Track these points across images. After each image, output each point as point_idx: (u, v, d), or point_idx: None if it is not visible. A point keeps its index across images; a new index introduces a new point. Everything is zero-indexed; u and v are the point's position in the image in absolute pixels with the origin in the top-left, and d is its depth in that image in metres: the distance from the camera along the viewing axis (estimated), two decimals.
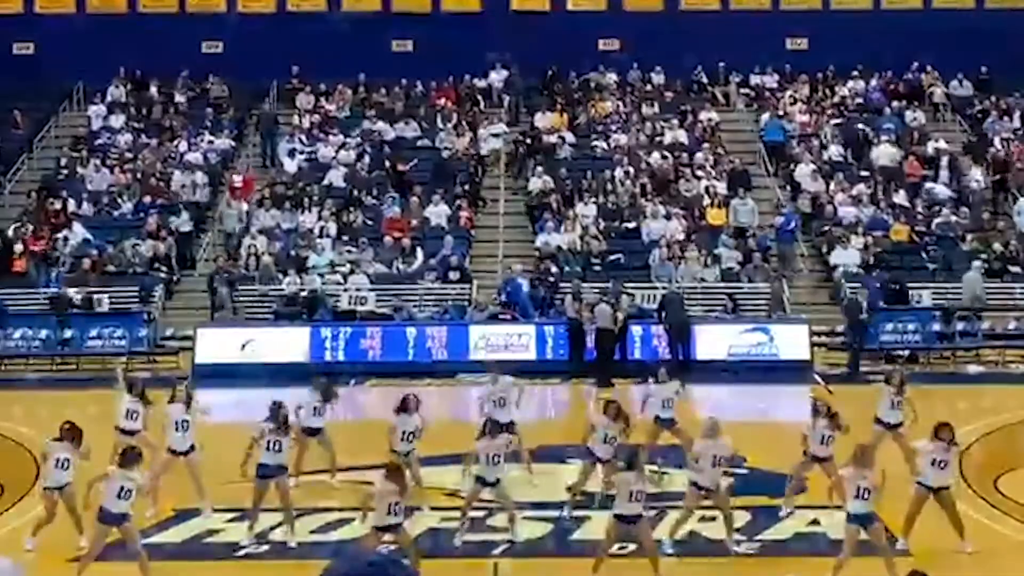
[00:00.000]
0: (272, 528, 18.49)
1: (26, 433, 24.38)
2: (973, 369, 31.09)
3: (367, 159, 39.68)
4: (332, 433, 20.99)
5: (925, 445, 17.17)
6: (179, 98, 43.34)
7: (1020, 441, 24.45)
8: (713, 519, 18.18)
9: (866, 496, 15.66)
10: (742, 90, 44.04)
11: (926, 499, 17.01)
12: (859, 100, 43.07)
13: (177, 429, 19.40)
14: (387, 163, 39.23)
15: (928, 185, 37.42)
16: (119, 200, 38.12)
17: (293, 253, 35.31)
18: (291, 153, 40.04)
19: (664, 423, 21.03)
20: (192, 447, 19.37)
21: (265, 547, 18.01)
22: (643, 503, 16.09)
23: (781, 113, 41.74)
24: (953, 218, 36.02)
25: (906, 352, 31.61)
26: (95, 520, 16.08)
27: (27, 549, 17.68)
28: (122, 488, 15.84)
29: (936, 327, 32.05)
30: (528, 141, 39.96)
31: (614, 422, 19.17)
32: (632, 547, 17.81)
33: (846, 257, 34.81)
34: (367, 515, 16.12)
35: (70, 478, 17.64)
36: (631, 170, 38.56)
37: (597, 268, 34.60)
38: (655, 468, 20.11)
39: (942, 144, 39.66)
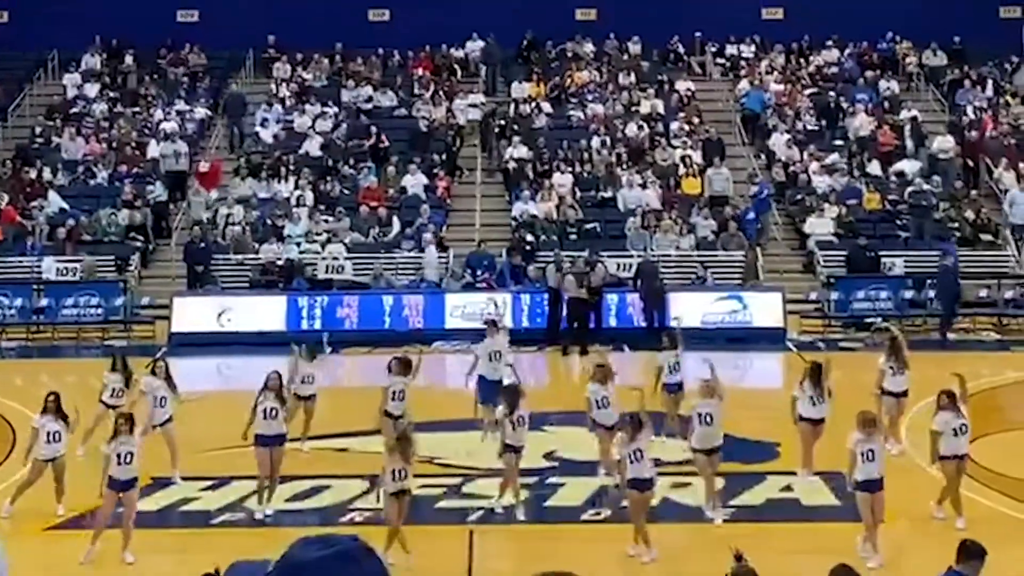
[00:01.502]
0: (245, 497, 18.62)
1: (2, 402, 24.44)
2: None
3: (344, 129, 39.67)
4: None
5: (941, 418, 17.34)
6: (171, 72, 43.15)
7: (990, 408, 24.65)
8: (688, 485, 18.38)
9: (872, 458, 15.82)
10: (718, 60, 44.12)
11: (960, 469, 17.26)
12: (833, 70, 43.21)
13: (156, 404, 19.54)
14: (370, 130, 39.09)
15: (897, 166, 37.56)
16: (94, 169, 38.06)
17: (269, 222, 35.32)
18: (265, 123, 39.97)
19: (670, 388, 21.09)
20: (169, 419, 19.52)
21: (240, 515, 18.14)
22: (650, 466, 16.17)
23: (756, 82, 41.84)
24: (926, 187, 36.20)
25: (878, 319, 31.81)
26: (104, 488, 16.24)
27: (3, 516, 17.80)
28: (120, 455, 16.06)
29: (908, 295, 32.28)
30: (502, 121, 39.76)
31: (603, 386, 19.27)
32: (606, 513, 18.03)
33: (819, 226, 35.00)
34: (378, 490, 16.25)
35: (62, 449, 17.78)
36: (607, 139, 38.65)
37: (573, 237, 34.70)
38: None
39: (915, 114, 39.80)
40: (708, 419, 17.49)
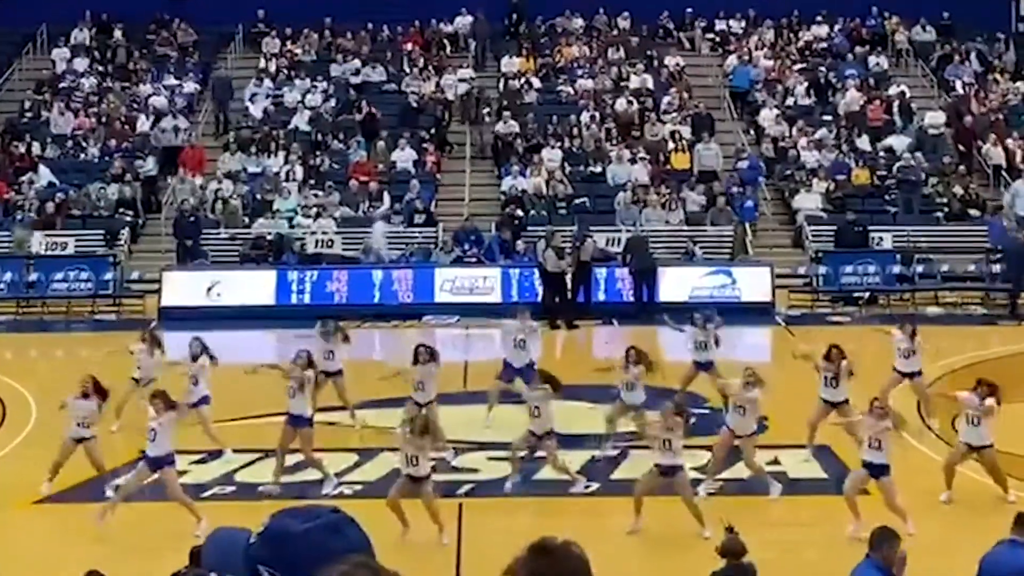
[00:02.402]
0: (236, 470, 18.67)
1: None
2: (932, 311, 31.43)
3: (333, 103, 39.66)
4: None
5: (964, 397, 17.45)
6: (160, 47, 42.96)
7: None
8: None
9: (877, 446, 15.91)
10: (707, 35, 44.11)
11: (966, 455, 17.29)
12: (823, 45, 43.22)
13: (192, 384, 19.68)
14: (359, 105, 39.05)
15: (886, 142, 37.69)
16: (84, 143, 38.03)
17: (259, 197, 35.34)
18: (255, 97, 39.88)
19: (700, 366, 21.15)
20: (204, 399, 19.55)
21: (231, 488, 18.21)
22: (678, 454, 16.26)
23: (746, 58, 41.86)
24: (914, 162, 36.30)
25: (866, 294, 31.99)
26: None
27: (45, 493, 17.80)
28: (149, 430, 16.23)
29: (896, 269, 32.44)
30: (487, 108, 39.51)
31: (634, 367, 19.35)
32: (596, 486, 18.15)
33: (808, 201, 35.10)
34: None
35: (92, 432, 17.73)
36: (597, 114, 38.69)
37: (562, 212, 34.77)
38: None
39: (904, 89, 39.86)
40: (742, 411, 17.65)
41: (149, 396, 16.91)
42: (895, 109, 39.07)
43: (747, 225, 33.92)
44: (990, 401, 17.17)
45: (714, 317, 21.72)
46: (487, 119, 38.46)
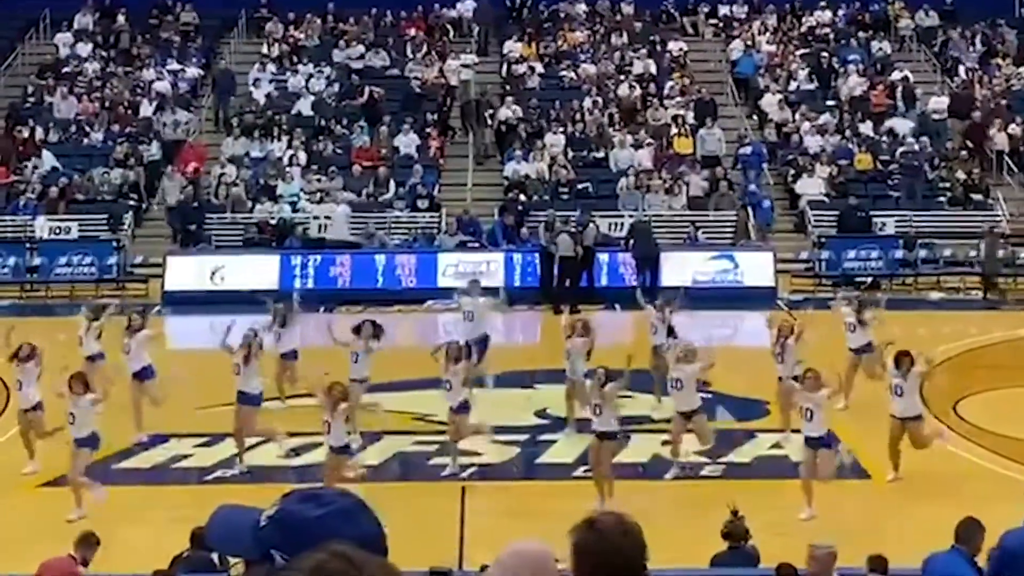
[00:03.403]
0: (238, 454, 18.73)
1: None
2: (935, 296, 31.48)
3: (336, 88, 39.66)
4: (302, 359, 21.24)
5: (891, 372, 17.56)
6: (163, 32, 42.91)
7: (979, 366, 24.83)
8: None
9: (810, 418, 16.01)
10: (710, 20, 44.06)
11: (899, 429, 17.37)
12: (826, 30, 43.17)
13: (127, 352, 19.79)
14: (362, 90, 39.03)
15: (889, 123, 37.69)
16: (87, 128, 38.04)
17: (262, 182, 35.36)
18: (258, 82, 39.86)
19: (655, 348, 21.14)
20: (144, 370, 19.58)
21: (232, 472, 18.27)
22: (609, 420, 16.40)
23: (749, 43, 41.82)
24: (917, 147, 36.31)
25: (869, 279, 32.03)
26: None
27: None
28: (69, 413, 16.38)
29: (899, 254, 32.49)
30: (491, 110, 39.30)
31: (578, 338, 19.48)
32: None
33: (811, 186, 35.11)
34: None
35: (30, 401, 17.84)
36: (599, 100, 38.67)
37: (565, 197, 34.78)
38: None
39: (907, 74, 39.82)
40: (678, 384, 17.70)
41: (68, 378, 16.88)
42: (898, 94, 39.05)
43: (749, 210, 33.91)
44: (916, 369, 17.29)
45: (672, 302, 21.67)
46: (489, 121, 38.28)
